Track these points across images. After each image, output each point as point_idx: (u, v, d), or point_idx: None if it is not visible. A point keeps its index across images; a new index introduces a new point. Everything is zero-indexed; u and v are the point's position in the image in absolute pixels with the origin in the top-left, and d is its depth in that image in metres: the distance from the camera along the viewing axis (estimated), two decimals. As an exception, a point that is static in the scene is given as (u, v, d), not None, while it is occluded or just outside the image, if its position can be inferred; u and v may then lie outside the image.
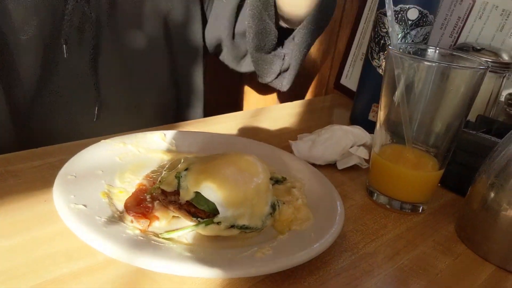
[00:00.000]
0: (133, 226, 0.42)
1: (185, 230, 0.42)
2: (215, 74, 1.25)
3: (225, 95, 1.26)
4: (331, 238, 0.43)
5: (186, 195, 0.43)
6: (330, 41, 1.02)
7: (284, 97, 1.13)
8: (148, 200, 0.46)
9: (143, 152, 0.57)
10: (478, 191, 0.52)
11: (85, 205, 0.43)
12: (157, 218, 0.44)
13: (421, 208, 0.56)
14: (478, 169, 0.54)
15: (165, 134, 0.60)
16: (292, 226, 0.46)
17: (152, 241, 0.40)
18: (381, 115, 0.57)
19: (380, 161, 0.57)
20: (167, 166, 0.50)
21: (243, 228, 0.43)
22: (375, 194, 0.57)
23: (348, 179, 0.62)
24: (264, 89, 1.19)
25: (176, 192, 0.45)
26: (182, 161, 0.47)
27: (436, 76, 0.52)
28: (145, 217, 0.43)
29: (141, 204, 0.45)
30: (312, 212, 0.48)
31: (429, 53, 0.59)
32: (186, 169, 0.45)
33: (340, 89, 1.00)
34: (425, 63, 0.53)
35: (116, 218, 0.43)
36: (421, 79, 0.53)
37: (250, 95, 1.22)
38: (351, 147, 0.64)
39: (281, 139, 0.71)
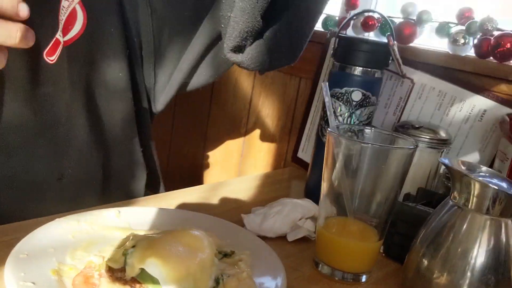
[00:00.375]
0: (80, 305, 0.44)
1: None
2: (177, 146, 1.29)
3: (186, 169, 1.29)
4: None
5: (131, 272, 0.45)
6: (287, 118, 1.09)
7: (245, 169, 1.17)
8: (96, 277, 0.48)
9: (97, 229, 0.59)
10: (413, 260, 0.55)
11: (34, 283, 0.44)
12: (104, 295, 0.46)
13: (363, 277, 0.59)
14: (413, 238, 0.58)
15: (119, 211, 0.63)
16: (239, 301, 0.48)
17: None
18: (324, 187, 0.61)
19: (323, 233, 0.60)
20: (117, 243, 0.52)
21: None
22: (320, 265, 0.60)
23: (298, 251, 0.65)
24: (225, 162, 1.23)
25: (123, 269, 0.46)
26: (130, 238, 0.49)
27: (370, 155, 0.57)
28: (92, 295, 0.45)
29: (88, 282, 0.47)
30: (257, 284, 0.50)
31: (367, 132, 0.65)
32: (133, 246, 0.47)
33: (297, 162, 1.05)
34: (360, 144, 0.59)
35: (63, 298, 0.44)
36: (356, 157, 0.58)
37: (212, 169, 1.26)
38: (300, 219, 0.68)
39: (236, 212, 0.74)
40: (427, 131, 0.80)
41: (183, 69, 0.79)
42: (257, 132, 1.17)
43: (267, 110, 1.13)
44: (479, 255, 0.50)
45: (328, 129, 0.61)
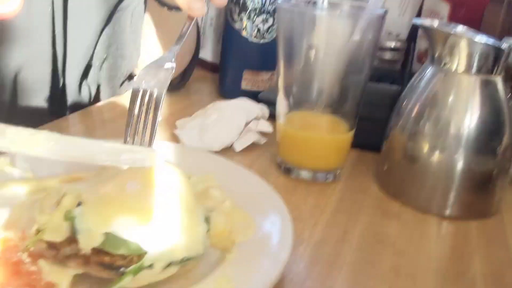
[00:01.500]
0: (21, 310, 0.28)
1: None
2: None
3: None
4: (289, 238, 0.35)
5: (91, 241, 0.30)
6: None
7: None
8: (28, 261, 0.31)
9: (-15, 190, 0.39)
10: (393, 144, 0.49)
11: None
12: (53, 285, 0.30)
13: (338, 173, 0.51)
14: (387, 121, 0.51)
15: (10, 159, 0.43)
16: (236, 237, 0.36)
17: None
18: (281, 82, 0.50)
19: (287, 131, 0.50)
20: (36, 204, 0.35)
21: (183, 261, 0.31)
22: (289, 170, 0.50)
23: (251, 161, 0.54)
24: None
25: (71, 240, 0.31)
26: (64, 193, 0.33)
27: (337, 27, 0.47)
28: (34, 290, 0.29)
29: (19, 272, 0.30)
30: (248, 212, 0.39)
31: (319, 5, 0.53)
32: (78, 204, 0.31)
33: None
34: (324, 14, 0.47)
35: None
36: (320, 33, 0.47)
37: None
38: (246, 123, 0.56)
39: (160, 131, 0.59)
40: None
41: None
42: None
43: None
44: (473, 121, 0.45)
45: (278, 3, 0.48)
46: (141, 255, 0.30)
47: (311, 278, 0.36)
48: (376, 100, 0.55)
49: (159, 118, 0.36)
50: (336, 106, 0.49)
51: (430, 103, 0.47)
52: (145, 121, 0.35)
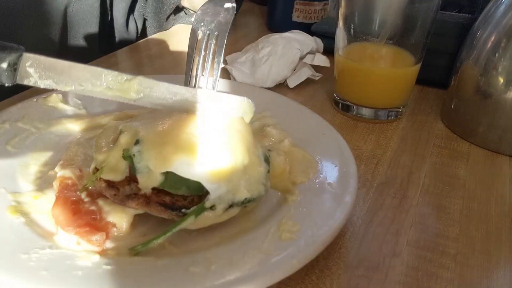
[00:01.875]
0: (83, 250, 0.27)
1: (168, 233, 0.28)
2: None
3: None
4: (353, 179, 0.33)
5: (150, 181, 0.29)
6: None
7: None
8: (87, 200, 0.31)
9: (42, 127, 0.39)
10: (466, 80, 0.45)
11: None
12: (113, 225, 0.29)
13: (401, 111, 0.48)
14: (455, 54, 0.47)
15: (62, 95, 0.43)
16: (296, 178, 0.34)
17: (129, 267, 0.26)
18: (341, 11, 0.46)
19: (346, 64, 0.47)
20: (92, 142, 0.34)
21: (245, 203, 0.30)
22: (353, 107, 0.47)
23: (306, 98, 0.51)
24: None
25: (130, 179, 0.30)
26: (120, 130, 0.32)
27: None
28: (95, 229, 0.28)
29: (79, 211, 0.30)
30: (308, 152, 0.37)
31: None
32: (136, 142, 0.30)
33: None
34: None
35: (52, 246, 0.27)
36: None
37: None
38: (301, 57, 0.53)
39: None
40: None
41: None
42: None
43: None
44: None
45: None
46: (202, 195, 0.29)
47: (375, 222, 0.34)
48: (443, 30, 0.50)
49: (221, 64, 0.33)
50: (401, 38, 0.45)
51: (508, 34, 0.42)
52: (205, 66, 0.33)
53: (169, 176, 0.29)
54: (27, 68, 0.27)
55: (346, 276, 0.29)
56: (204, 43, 0.34)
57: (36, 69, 0.27)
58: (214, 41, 0.33)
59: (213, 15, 0.34)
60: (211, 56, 0.33)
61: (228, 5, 0.34)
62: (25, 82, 0.27)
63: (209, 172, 0.29)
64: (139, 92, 0.29)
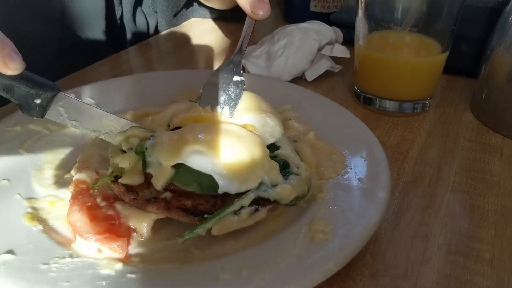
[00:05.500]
0: (105, 258, 0.26)
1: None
2: None
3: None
4: (386, 175, 0.31)
5: (161, 175, 0.27)
6: None
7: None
8: (103, 204, 0.29)
9: (54, 129, 0.38)
10: (498, 68, 0.42)
11: (11, 251, 0.26)
12: (134, 230, 0.28)
13: (427, 102, 0.46)
14: (485, 41, 0.44)
15: (74, 94, 0.41)
16: (323, 174, 0.32)
17: (155, 275, 0.25)
18: (362, -1, 0.43)
19: (368, 54, 0.44)
20: (110, 148, 0.33)
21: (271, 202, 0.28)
22: (376, 100, 0.45)
23: (326, 91, 0.49)
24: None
25: (149, 183, 0.28)
26: (128, 131, 0.30)
27: None
28: (115, 235, 0.27)
29: (96, 217, 0.28)
30: (334, 144, 0.35)
31: None
32: (150, 137, 0.28)
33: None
34: None
35: (72, 254, 0.26)
36: None
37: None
38: (319, 49, 0.51)
39: (218, 61, 0.56)
40: None
41: None
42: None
43: None
44: None
45: None
46: (225, 198, 0.28)
47: (403, 224, 0.32)
48: (472, 15, 0.47)
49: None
50: (426, 25, 0.42)
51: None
52: None
53: (180, 170, 0.27)
54: (59, 107, 0.29)
55: (371, 287, 0.27)
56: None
57: (67, 110, 0.29)
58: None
59: (220, 94, 0.32)
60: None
61: (236, 78, 0.32)
62: (53, 119, 0.29)
63: (222, 165, 0.27)
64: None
